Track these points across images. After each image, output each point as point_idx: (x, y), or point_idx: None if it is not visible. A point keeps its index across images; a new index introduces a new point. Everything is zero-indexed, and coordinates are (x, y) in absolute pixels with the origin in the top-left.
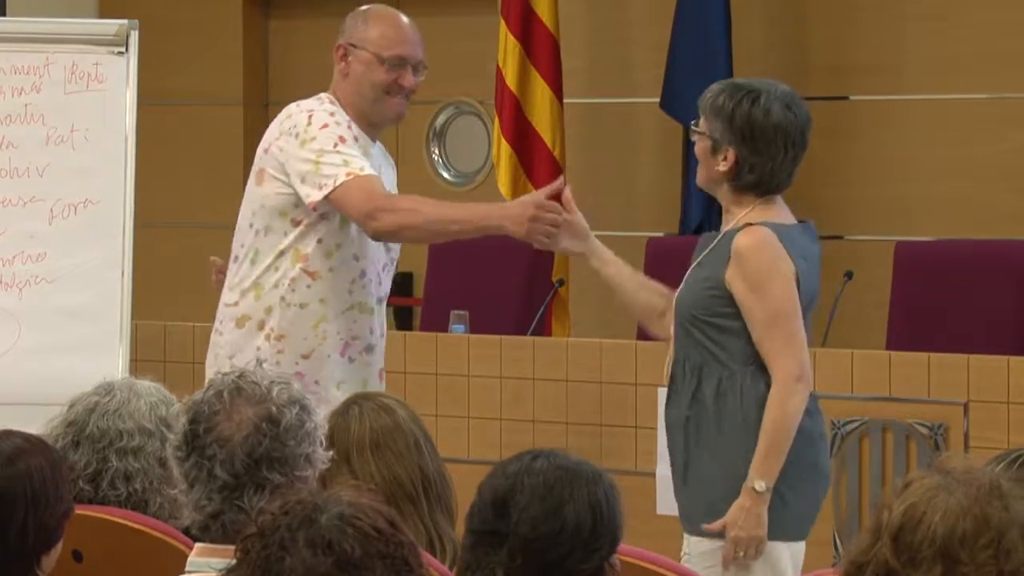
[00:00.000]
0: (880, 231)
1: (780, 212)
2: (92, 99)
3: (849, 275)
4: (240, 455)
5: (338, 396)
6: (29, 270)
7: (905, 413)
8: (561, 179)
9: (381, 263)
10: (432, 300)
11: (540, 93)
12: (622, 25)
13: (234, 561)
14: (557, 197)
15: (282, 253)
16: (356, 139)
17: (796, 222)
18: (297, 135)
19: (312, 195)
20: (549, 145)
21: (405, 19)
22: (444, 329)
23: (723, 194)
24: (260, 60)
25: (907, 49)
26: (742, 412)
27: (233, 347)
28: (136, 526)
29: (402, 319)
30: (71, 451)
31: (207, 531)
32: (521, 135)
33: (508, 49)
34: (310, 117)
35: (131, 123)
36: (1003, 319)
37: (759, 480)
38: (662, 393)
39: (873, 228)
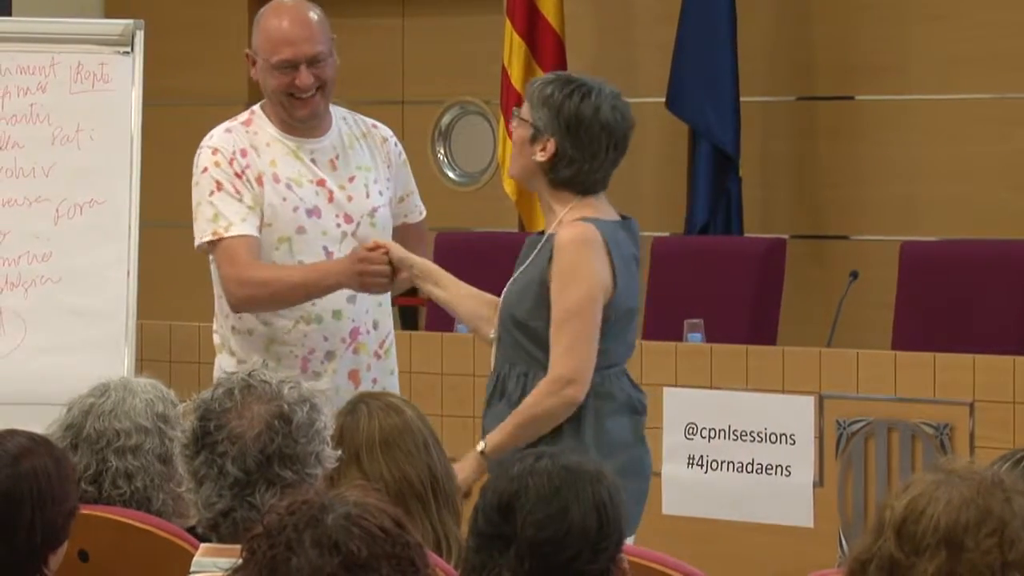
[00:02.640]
0: (885, 231)
1: (604, 209)
2: (97, 99)
3: (854, 275)
4: (252, 452)
5: None
6: (35, 270)
7: (911, 413)
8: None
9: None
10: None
11: None
12: (627, 25)
13: (240, 561)
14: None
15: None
16: (241, 173)
17: (620, 218)
18: (193, 174)
19: (195, 241)
20: None
21: (292, 13)
22: (450, 329)
23: (541, 189)
24: None
25: (912, 49)
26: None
27: (219, 372)
28: (142, 526)
29: (408, 319)
30: (71, 454)
31: (216, 529)
32: None
33: (513, 49)
34: (199, 157)
35: (136, 123)
36: (1009, 319)
37: (482, 444)
38: (668, 392)
39: (878, 228)
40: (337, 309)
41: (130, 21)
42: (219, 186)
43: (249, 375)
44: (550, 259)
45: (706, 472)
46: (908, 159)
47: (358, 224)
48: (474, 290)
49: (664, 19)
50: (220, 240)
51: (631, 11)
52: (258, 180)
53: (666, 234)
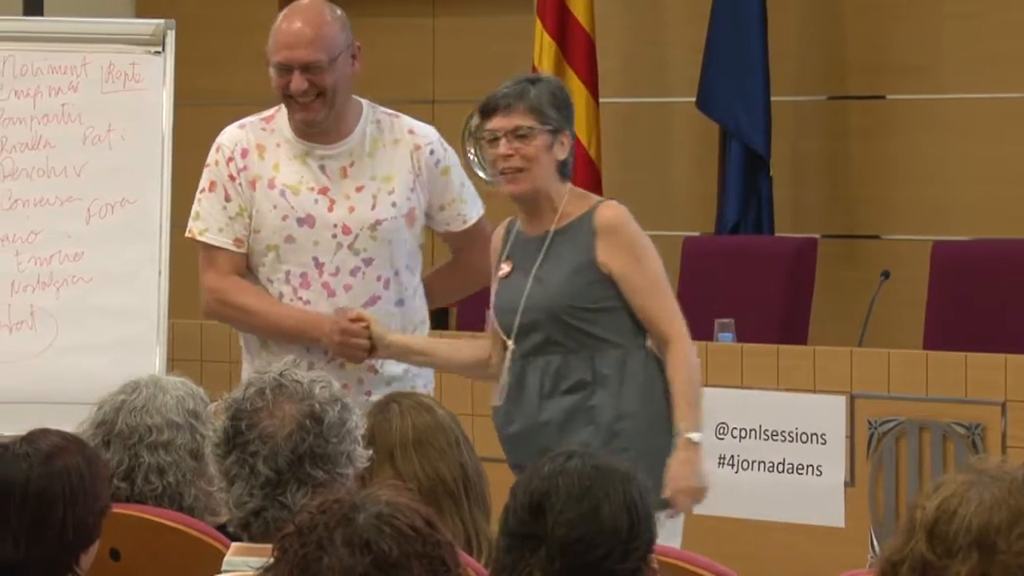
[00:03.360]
0: (917, 231)
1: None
2: (129, 99)
3: (886, 275)
4: (284, 451)
5: None
6: (66, 269)
7: (942, 413)
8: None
9: (330, 269)
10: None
11: (576, 93)
12: (658, 25)
13: (271, 560)
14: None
15: None
16: (235, 176)
17: None
18: None
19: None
20: (585, 145)
21: (303, 16)
22: (481, 329)
23: (551, 188)
24: None
25: (944, 48)
26: (655, 384)
27: (244, 373)
28: (174, 525)
29: (438, 319)
30: (103, 451)
31: (248, 528)
32: None
33: (544, 49)
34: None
35: (168, 122)
36: None
37: (693, 432)
38: None
39: (910, 228)
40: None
41: (161, 21)
42: (212, 186)
43: (281, 375)
44: (591, 242)
45: (736, 472)
46: (939, 158)
47: (356, 236)
48: (461, 340)
49: (695, 19)
50: (199, 242)
51: (662, 11)
52: (251, 184)
53: (697, 233)
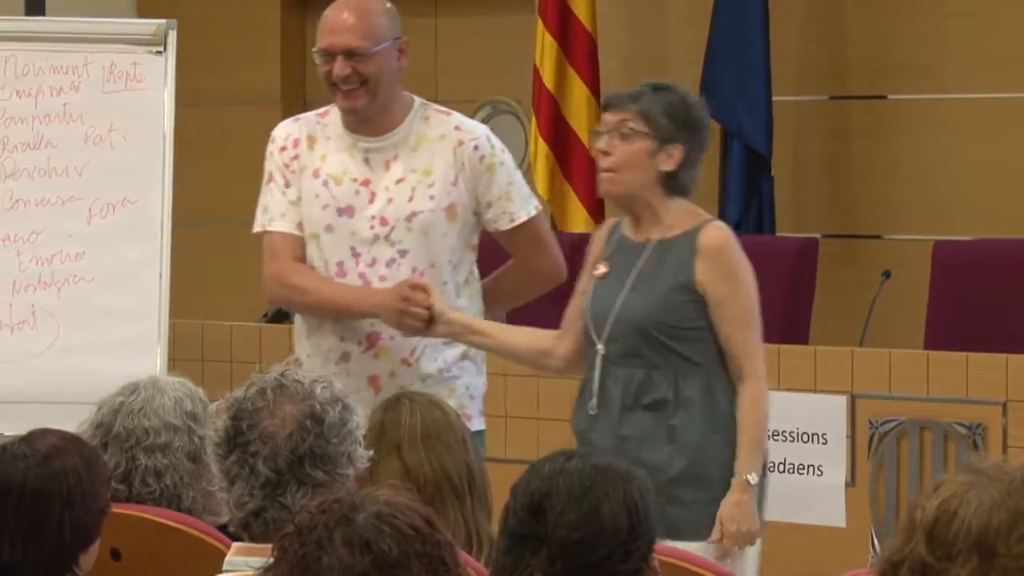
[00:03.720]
0: (918, 230)
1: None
2: (130, 99)
3: (887, 274)
4: (284, 452)
5: None
6: (68, 269)
7: (943, 413)
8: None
9: (367, 260)
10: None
11: (577, 93)
12: (660, 25)
13: (271, 560)
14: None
15: None
16: (289, 164)
17: None
18: None
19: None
20: (586, 145)
21: (352, 4)
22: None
23: (652, 198)
24: (298, 59)
25: (945, 48)
26: (729, 413)
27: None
28: (174, 524)
29: None
30: (101, 453)
31: (248, 528)
32: (558, 135)
33: (545, 49)
34: None
35: (169, 123)
36: None
37: (751, 473)
38: None
39: (911, 227)
40: None
41: (163, 21)
42: (270, 177)
43: (282, 374)
44: (691, 262)
45: None
46: (941, 159)
47: (393, 228)
48: (524, 328)
49: (696, 19)
50: (265, 233)
51: (663, 11)
52: (300, 173)
53: None
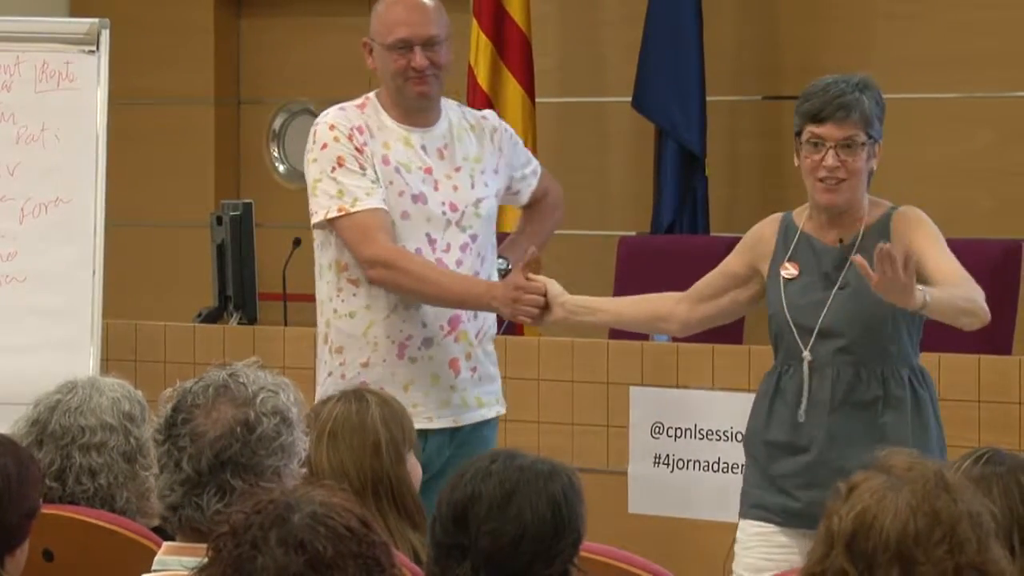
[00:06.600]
0: None
1: None
2: (63, 98)
3: None
4: (208, 454)
5: (409, 399)
6: None
7: None
8: (533, 249)
9: (441, 246)
10: None
11: (512, 92)
12: (594, 25)
13: (205, 560)
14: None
15: (330, 265)
16: (361, 148)
17: None
18: (309, 151)
19: (313, 217)
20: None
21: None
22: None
23: (862, 197)
24: (231, 59)
25: (877, 49)
26: (931, 404)
27: (320, 364)
28: (107, 525)
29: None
30: (35, 449)
31: (168, 522)
32: None
33: (480, 48)
34: (315, 134)
35: (102, 122)
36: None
37: (930, 294)
38: (634, 392)
39: None
40: None
41: (96, 20)
42: (340, 161)
43: (231, 374)
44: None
45: (672, 471)
46: None
47: (463, 213)
48: (637, 298)
49: (630, 19)
50: (346, 215)
51: (598, 11)
52: (373, 158)
53: (632, 233)
